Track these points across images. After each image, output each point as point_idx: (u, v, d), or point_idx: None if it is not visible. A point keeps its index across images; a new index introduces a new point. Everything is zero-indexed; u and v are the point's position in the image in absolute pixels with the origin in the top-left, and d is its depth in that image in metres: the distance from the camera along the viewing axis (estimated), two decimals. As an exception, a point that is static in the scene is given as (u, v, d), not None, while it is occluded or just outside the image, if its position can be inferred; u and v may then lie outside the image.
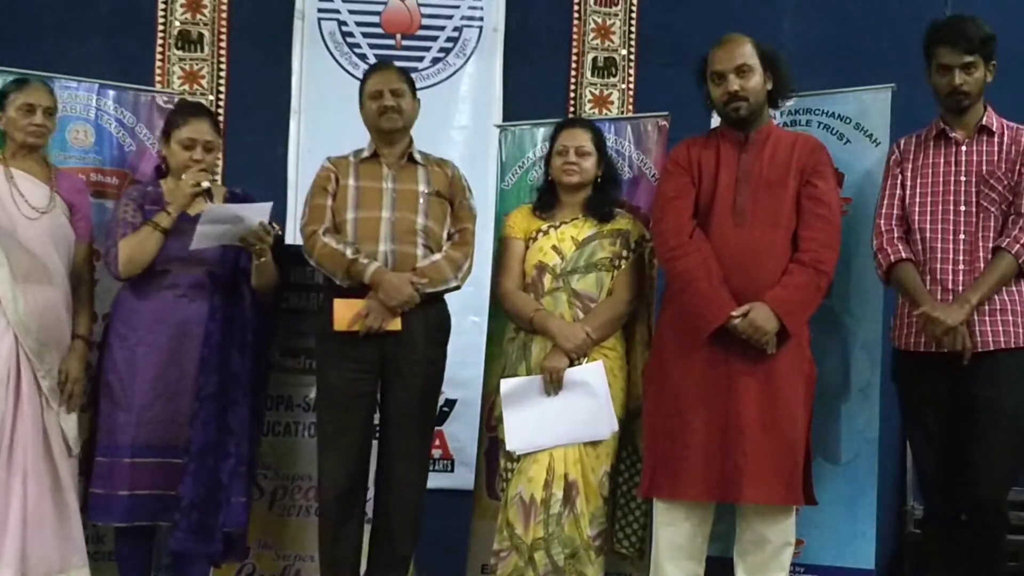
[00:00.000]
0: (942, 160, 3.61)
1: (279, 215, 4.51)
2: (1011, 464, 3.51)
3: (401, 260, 3.71)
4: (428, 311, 3.72)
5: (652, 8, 5.25)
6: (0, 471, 3.54)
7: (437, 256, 3.74)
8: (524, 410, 3.69)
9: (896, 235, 3.62)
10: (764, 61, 3.60)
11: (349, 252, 3.68)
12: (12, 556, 3.53)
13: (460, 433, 4.93)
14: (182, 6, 5.13)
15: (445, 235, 3.81)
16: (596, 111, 5.18)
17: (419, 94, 3.91)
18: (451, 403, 4.92)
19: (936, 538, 3.67)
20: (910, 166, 3.65)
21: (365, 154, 3.86)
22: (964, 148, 3.59)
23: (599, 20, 5.25)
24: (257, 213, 3.69)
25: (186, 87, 5.08)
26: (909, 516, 4.75)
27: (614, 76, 5.24)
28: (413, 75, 4.05)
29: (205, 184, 3.74)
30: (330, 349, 3.73)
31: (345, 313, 3.66)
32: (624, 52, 5.25)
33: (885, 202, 3.67)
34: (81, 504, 3.79)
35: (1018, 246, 3.47)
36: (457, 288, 3.78)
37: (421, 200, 3.77)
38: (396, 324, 3.65)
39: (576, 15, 5.26)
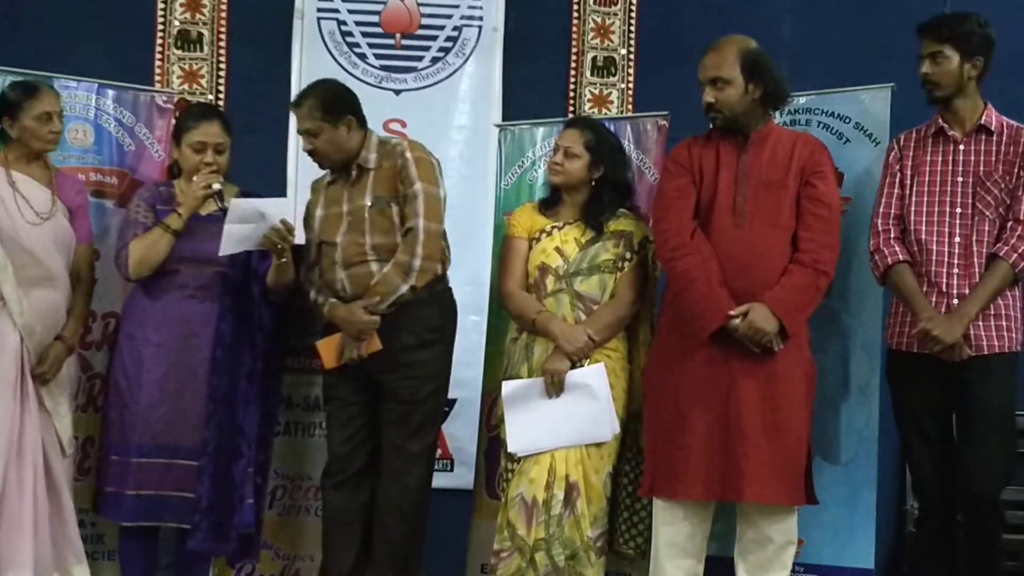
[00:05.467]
0: (940, 159, 3.60)
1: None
2: (1004, 463, 3.52)
3: (358, 283, 3.68)
4: (406, 317, 3.66)
5: (652, 8, 5.24)
6: (12, 471, 3.53)
7: (387, 267, 3.65)
8: (526, 412, 3.69)
9: (893, 235, 3.61)
10: (748, 70, 3.55)
11: (312, 294, 3.76)
12: (29, 556, 3.53)
13: (460, 433, 4.91)
14: (182, 6, 5.12)
15: (399, 237, 3.68)
16: (596, 111, 5.17)
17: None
18: (451, 403, 4.89)
19: (933, 538, 3.66)
20: (909, 164, 3.64)
21: (328, 179, 3.84)
22: (962, 148, 3.58)
23: (599, 20, 5.24)
24: (279, 208, 3.70)
25: (186, 87, 5.07)
26: (909, 516, 4.74)
27: (614, 76, 5.23)
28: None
29: (216, 186, 3.75)
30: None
31: (328, 353, 3.71)
32: (624, 52, 5.24)
33: (883, 200, 3.65)
34: (92, 503, 3.83)
35: (1015, 255, 3.46)
36: (414, 288, 3.63)
37: (367, 216, 3.70)
38: (375, 345, 3.65)
39: (576, 14, 5.25)
